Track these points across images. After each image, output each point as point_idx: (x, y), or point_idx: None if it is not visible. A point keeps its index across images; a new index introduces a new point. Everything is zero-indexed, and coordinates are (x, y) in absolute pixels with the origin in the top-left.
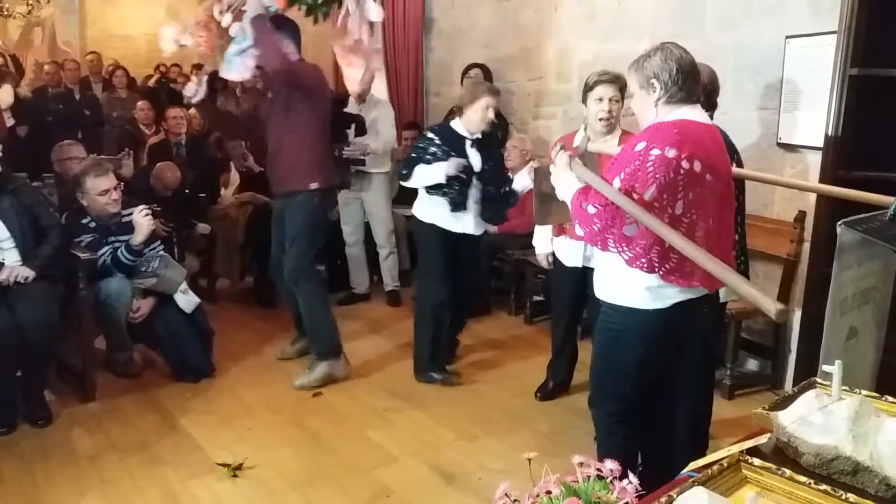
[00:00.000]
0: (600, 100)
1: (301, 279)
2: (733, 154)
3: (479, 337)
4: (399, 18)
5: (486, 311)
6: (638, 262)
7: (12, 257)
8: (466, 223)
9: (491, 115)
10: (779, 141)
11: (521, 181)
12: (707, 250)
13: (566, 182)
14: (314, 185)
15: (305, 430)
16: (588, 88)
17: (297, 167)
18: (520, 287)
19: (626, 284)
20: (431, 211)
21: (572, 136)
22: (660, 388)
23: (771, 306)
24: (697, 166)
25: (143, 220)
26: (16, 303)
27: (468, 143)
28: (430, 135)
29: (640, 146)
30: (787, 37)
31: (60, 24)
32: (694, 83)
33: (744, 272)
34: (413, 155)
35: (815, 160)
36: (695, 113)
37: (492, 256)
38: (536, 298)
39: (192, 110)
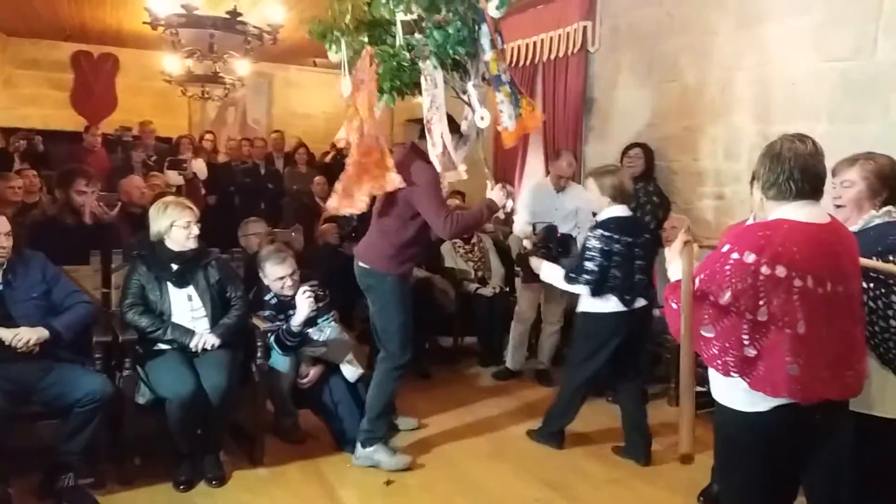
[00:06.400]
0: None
1: None
2: None
3: None
4: (560, 97)
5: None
6: (714, 364)
7: (202, 325)
8: None
9: None
10: None
11: (675, 268)
12: (798, 360)
13: (674, 268)
14: None
15: None
16: (752, 177)
17: None
18: (676, 375)
19: (727, 384)
20: None
21: (741, 224)
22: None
23: (682, 447)
24: (781, 271)
25: (304, 301)
26: (201, 367)
27: None
28: None
29: (725, 248)
30: None
31: (251, 104)
32: (800, 178)
33: None
34: None
35: None
36: (799, 211)
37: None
38: (698, 390)
39: None
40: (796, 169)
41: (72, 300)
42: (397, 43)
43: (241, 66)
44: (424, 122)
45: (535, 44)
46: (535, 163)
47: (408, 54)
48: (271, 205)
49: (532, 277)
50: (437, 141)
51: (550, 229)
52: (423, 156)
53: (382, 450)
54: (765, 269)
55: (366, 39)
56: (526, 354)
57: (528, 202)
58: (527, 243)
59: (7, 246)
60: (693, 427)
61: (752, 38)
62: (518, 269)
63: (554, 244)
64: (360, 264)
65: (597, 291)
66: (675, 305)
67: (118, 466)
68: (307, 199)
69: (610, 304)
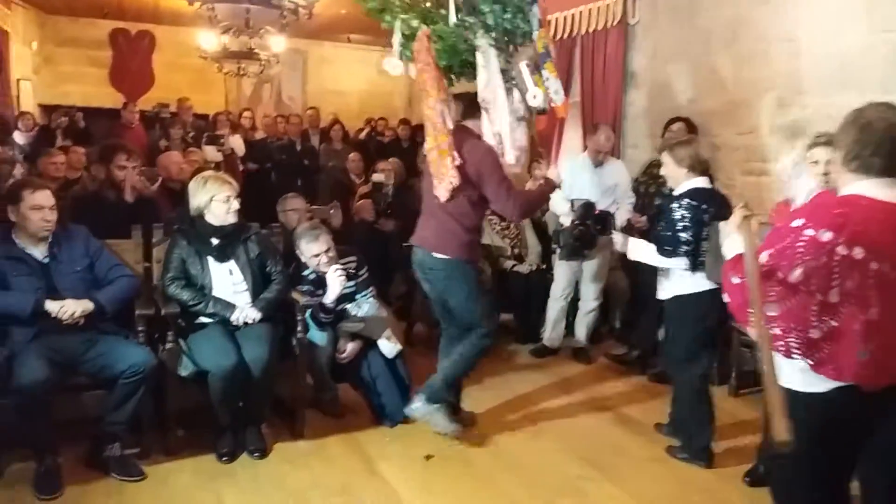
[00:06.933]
0: (816, 163)
1: None
2: None
3: None
4: (599, 71)
5: None
6: (775, 345)
7: (243, 299)
8: None
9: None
10: None
11: (732, 243)
12: (869, 346)
13: (731, 243)
14: None
15: (496, 488)
16: (808, 147)
17: None
18: (725, 355)
19: (783, 362)
20: None
21: (789, 200)
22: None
23: (778, 434)
24: (858, 252)
25: (335, 279)
26: (243, 341)
27: None
28: None
29: (797, 222)
30: None
31: (286, 81)
32: (889, 153)
33: None
34: None
35: None
36: (880, 190)
37: None
38: (746, 369)
39: (392, 160)
40: (887, 142)
41: (115, 273)
42: (451, 21)
43: (277, 43)
44: (480, 101)
45: (573, 16)
46: (572, 139)
47: (463, 32)
48: (308, 181)
49: (570, 255)
50: (496, 118)
51: (588, 206)
52: (475, 135)
53: (443, 411)
54: (841, 249)
55: (416, 23)
56: (563, 332)
57: (565, 178)
58: (564, 220)
59: (52, 219)
60: (784, 412)
61: (799, 8)
62: (555, 246)
63: (592, 221)
64: (437, 255)
65: (694, 265)
66: (736, 280)
67: (162, 437)
68: (342, 175)
69: (704, 282)
